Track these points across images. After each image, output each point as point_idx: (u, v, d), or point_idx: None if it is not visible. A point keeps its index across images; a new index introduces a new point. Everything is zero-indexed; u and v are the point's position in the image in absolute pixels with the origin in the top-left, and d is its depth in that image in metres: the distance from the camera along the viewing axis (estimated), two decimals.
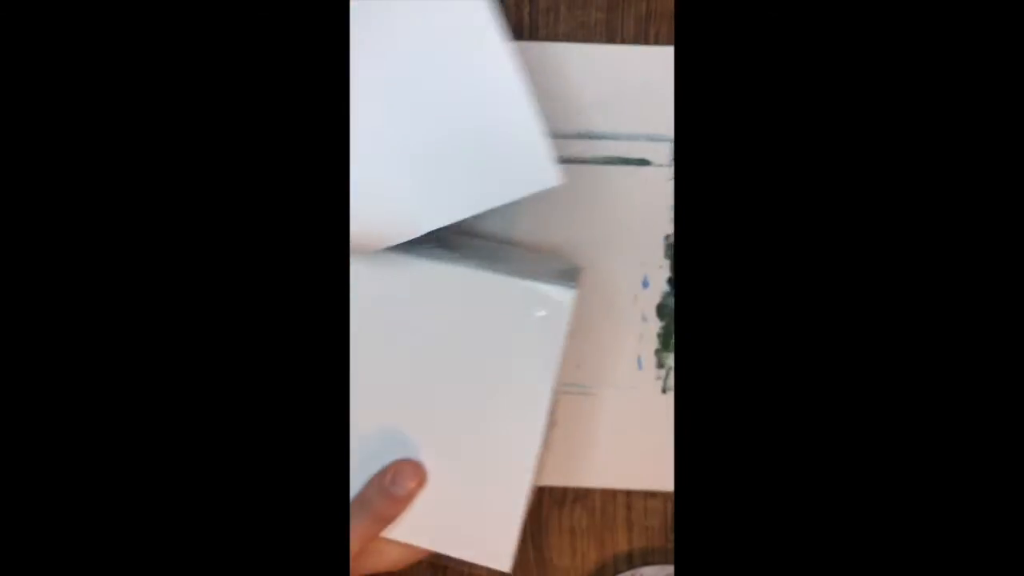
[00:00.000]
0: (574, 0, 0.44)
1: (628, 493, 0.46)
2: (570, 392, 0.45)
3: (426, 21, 0.34)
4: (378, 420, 0.39)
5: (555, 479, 0.46)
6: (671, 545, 0.47)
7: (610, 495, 0.46)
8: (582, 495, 0.46)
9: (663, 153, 0.44)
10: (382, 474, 0.38)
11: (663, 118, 0.43)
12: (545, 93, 0.44)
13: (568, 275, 0.40)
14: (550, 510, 0.46)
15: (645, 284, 0.44)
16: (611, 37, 0.44)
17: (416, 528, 0.39)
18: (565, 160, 0.44)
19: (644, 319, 0.45)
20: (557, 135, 0.44)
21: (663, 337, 0.45)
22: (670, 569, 0.46)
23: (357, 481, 0.39)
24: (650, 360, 0.45)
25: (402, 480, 0.38)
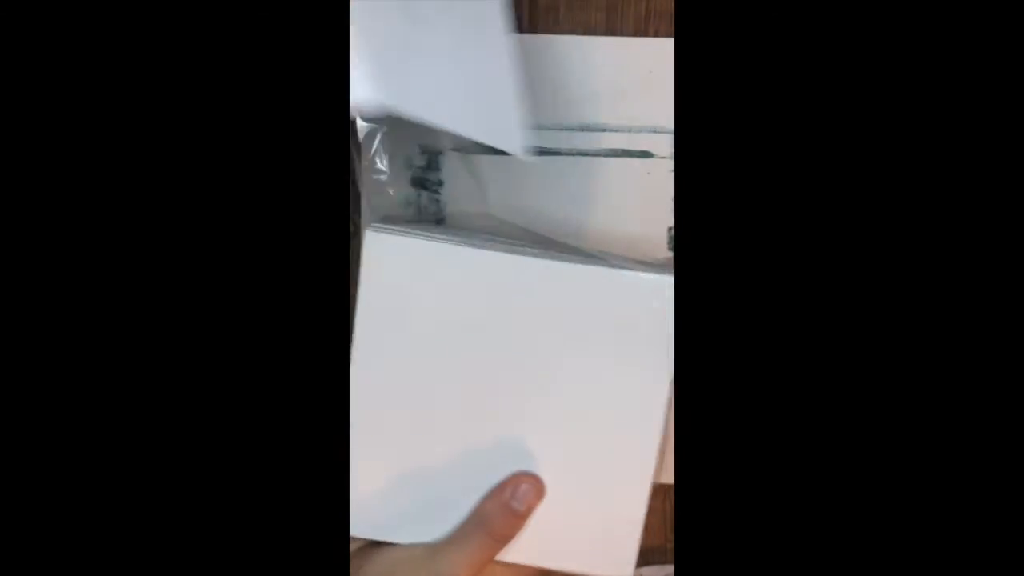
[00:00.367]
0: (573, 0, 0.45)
1: None
2: None
3: None
4: (487, 429, 0.37)
5: None
6: (670, 544, 0.46)
7: None
8: None
9: (665, 145, 0.44)
10: (500, 489, 0.36)
11: (665, 110, 0.44)
12: (547, 85, 0.44)
13: (655, 266, 0.38)
14: None
15: None
16: (611, 36, 0.45)
17: (529, 546, 0.37)
18: (568, 152, 0.44)
19: None
20: (560, 127, 0.44)
21: None
22: (669, 569, 0.46)
23: (471, 496, 0.37)
24: None
25: (523, 496, 0.36)
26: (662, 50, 0.44)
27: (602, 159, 0.44)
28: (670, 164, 0.44)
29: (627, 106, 0.44)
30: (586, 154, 0.44)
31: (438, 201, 0.45)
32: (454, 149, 0.44)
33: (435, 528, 0.37)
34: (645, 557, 0.46)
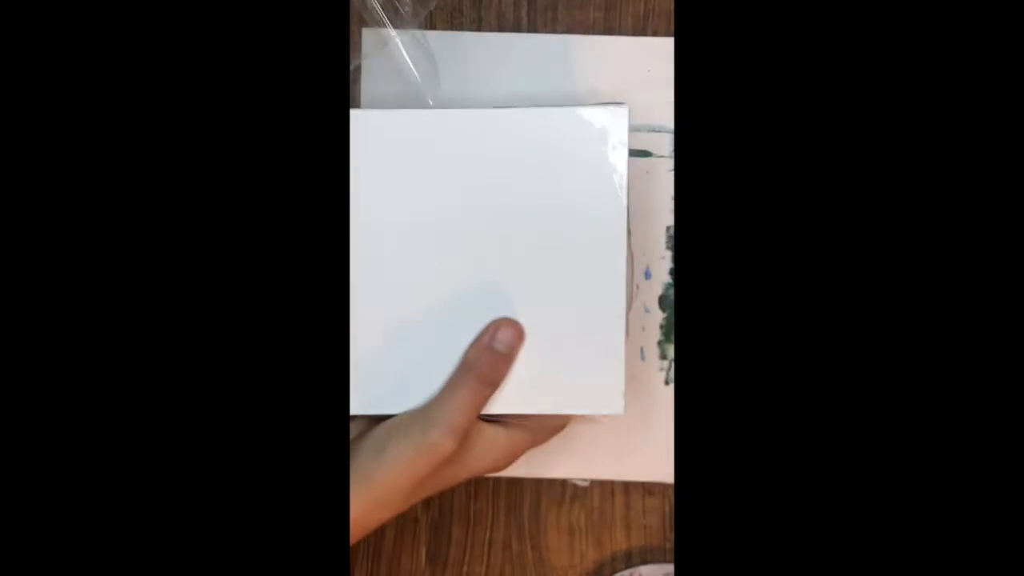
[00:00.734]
0: None
1: (626, 492, 0.46)
2: None
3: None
4: (469, 280, 0.38)
5: (556, 472, 0.45)
6: (669, 544, 0.46)
7: (608, 494, 0.46)
8: (580, 494, 0.46)
9: (664, 144, 0.44)
10: (480, 336, 0.38)
11: (664, 110, 0.44)
12: (546, 84, 0.44)
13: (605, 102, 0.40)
14: (548, 509, 0.46)
15: (647, 275, 0.45)
16: (609, 36, 0.45)
17: (517, 395, 0.39)
18: None
19: (646, 310, 0.45)
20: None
21: (665, 328, 0.45)
22: (669, 568, 0.46)
23: (457, 344, 0.38)
24: (653, 351, 0.45)
25: (503, 337, 0.38)
26: (661, 49, 0.44)
27: None
28: (669, 163, 0.44)
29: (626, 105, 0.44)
30: None
31: None
32: None
33: (427, 395, 0.39)
34: (644, 556, 0.46)
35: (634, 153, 0.44)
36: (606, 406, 0.39)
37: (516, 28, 0.45)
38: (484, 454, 0.38)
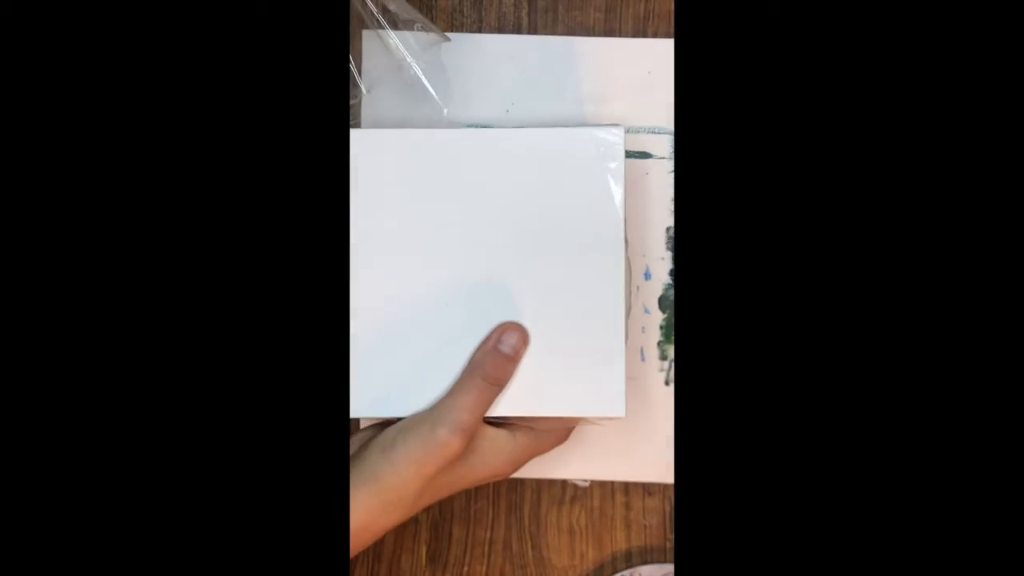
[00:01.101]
0: (572, 0, 0.45)
1: (626, 492, 0.46)
2: None
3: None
4: (461, 290, 0.40)
5: (556, 472, 0.45)
6: (669, 544, 0.46)
7: (608, 494, 0.46)
8: (580, 494, 0.46)
9: (664, 145, 0.44)
10: (487, 339, 0.39)
11: (664, 111, 0.44)
12: (546, 86, 0.44)
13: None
14: (548, 509, 0.46)
15: (647, 276, 0.45)
16: (609, 37, 0.45)
17: (521, 398, 0.40)
18: None
19: (646, 311, 0.45)
20: (558, 127, 0.44)
21: (665, 329, 0.45)
22: (668, 568, 0.46)
23: (461, 351, 0.40)
24: (653, 352, 0.45)
25: (508, 340, 0.39)
26: (661, 51, 0.44)
27: None
28: (669, 164, 0.44)
29: (626, 106, 0.44)
30: None
31: None
32: None
33: (428, 399, 0.40)
34: (644, 556, 0.46)
35: (634, 155, 0.44)
36: (608, 409, 0.40)
37: (516, 30, 0.45)
38: (490, 456, 0.39)
